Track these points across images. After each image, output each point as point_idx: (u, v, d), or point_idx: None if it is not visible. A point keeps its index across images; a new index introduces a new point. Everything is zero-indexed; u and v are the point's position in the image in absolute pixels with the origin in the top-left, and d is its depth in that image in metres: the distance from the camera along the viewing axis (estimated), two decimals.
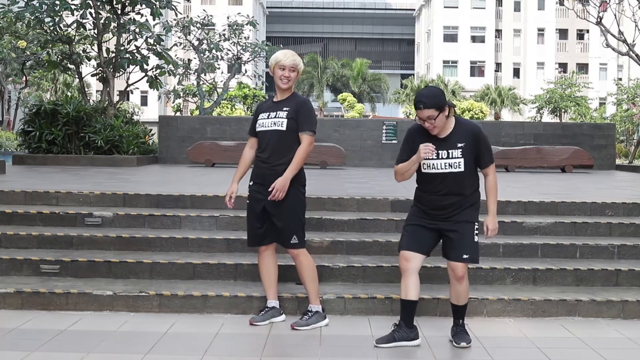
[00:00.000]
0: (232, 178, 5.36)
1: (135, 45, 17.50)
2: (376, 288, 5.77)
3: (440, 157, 4.61)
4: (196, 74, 30.03)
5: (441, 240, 4.80)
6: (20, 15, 16.60)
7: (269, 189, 5.02)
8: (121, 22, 17.01)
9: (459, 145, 4.61)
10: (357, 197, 7.44)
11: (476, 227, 4.71)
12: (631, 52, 21.94)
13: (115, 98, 17.78)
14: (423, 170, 4.68)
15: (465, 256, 4.66)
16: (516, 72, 61.62)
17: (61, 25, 16.99)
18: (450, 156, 4.62)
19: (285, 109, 5.13)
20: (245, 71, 38.90)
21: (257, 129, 5.20)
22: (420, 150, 4.54)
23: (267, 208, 5.11)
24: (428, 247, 4.77)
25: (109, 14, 17.04)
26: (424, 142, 4.58)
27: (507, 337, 4.93)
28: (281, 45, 34.68)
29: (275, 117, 5.12)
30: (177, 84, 31.93)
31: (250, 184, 5.25)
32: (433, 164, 4.63)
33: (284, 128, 5.08)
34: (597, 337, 5.05)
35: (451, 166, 4.62)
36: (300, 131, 5.10)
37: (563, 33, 61.05)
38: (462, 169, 4.63)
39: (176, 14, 21.19)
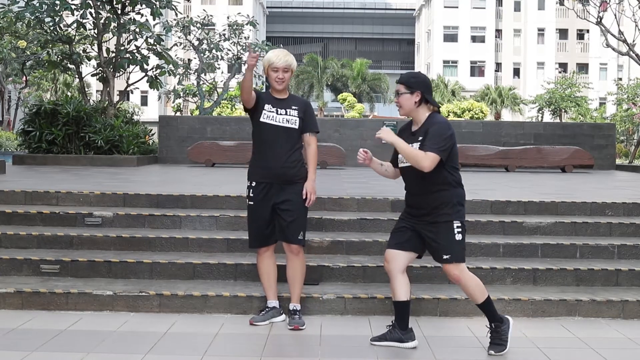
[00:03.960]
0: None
1: (135, 45, 17.51)
2: (376, 288, 5.77)
3: None
4: (196, 74, 30.02)
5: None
6: (21, 15, 16.61)
7: (303, 196, 5.10)
8: (121, 22, 17.01)
9: (420, 138, 4.57)
10: (357, 197, 7.45)
11: (456, 225, 4.56)
12: (631, 52, 21.94)
13: (115, 98, 17.79)
14: (399, 165, 4.71)
15: (445, 257, 4.54)
16: (516, 72, 61.62)
17: (61, 25, 17.00)
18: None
19: (294, 107, 5.17)
20: None
21: (264, 120, 5.12)
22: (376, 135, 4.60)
23: (278, 206, 5.11)
24: (409, 245, 4.66)
25: (109, 14, 17.05)
26: (406, 136, 4.63)
27: None
28: (281, 45, 34.64)
29: (286, 114, 5.13)
30: (177, 84, 31.91)
31: (253, 185, 5.19)
32: (401, 158, 4.64)
33: (297, 126, 5.15)
34: (597, 337, 5.05)
35: None
36: (308, 132, 5.20)
37: (563, 33, 61.05)
38: None
39: (176, 14, 21.19)
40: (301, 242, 5.18)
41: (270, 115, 5.14)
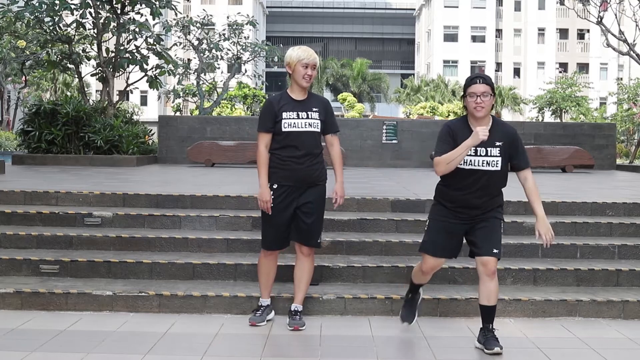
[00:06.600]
0: (260, 183, 5.10)
1: (135, 45, 17.49)
2: (376, 288, 5.76)
3: (478, 154, 4.59)
4: (196, 73, 30.00)
5: (465, 241, 4.79)
6: (20, 14, 16.59)
7: (333, 199, 5.17)
8: (121, 21, 17.00)
9: (497, 144, 4.60)
10: (357, 197, 7.43)
11: (502, 224, 4.75)
12: (632, 52, 21.95)
13: (115, 98, 17.77)
14: (458, 166, 4.60)
15: (495, 250, 4.63)
16: (516, 72, 61.62)
17: (61, 24, 16.99)
18: (489, 154, 4.60)
19: (315, 109, 5.12)
20: (245, 71, 38.86)
21: (287, 129, 5.02)
22: (477, 132, 4.47)
23: (301, 208, 5.08)
24: (454, 253, 4.83)
25: (108, 14, 17.04)
26: (465, 137, 4.54)
27: (508, 338, 4.91)
28: (281, 45, 34.66)
29: (307, 117, 5.07)
30: (177, 83, 31.91)
31: (274, 187, 5.10)
32: (470, 160, 4.58)
33: (319, 129, 5.12)
34: (597, 337, 5.05)
35: (489, 164, 4.60)
36: (331, 132, 5.20)
37: (563, 33, 61.04)
38: (498, 168, 4.62)
39: (176, 14, 21.18)
40: (318, 245, 5.22)
41: (291, 122, 5.04)
